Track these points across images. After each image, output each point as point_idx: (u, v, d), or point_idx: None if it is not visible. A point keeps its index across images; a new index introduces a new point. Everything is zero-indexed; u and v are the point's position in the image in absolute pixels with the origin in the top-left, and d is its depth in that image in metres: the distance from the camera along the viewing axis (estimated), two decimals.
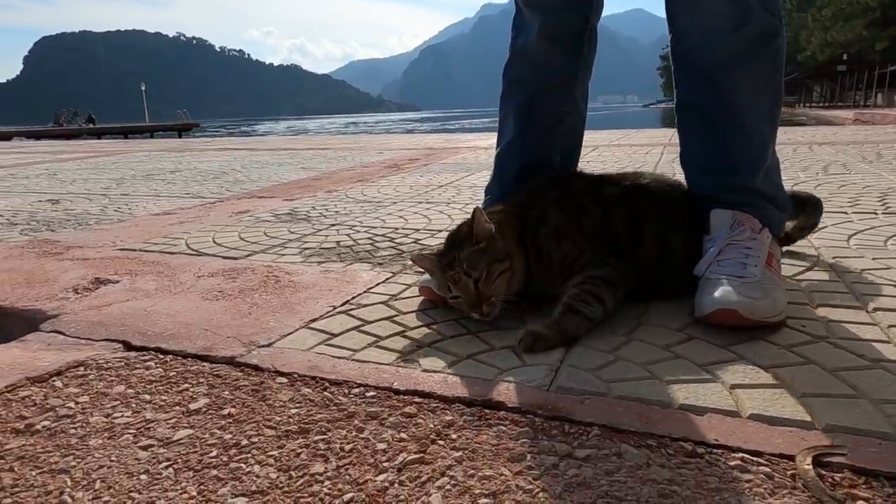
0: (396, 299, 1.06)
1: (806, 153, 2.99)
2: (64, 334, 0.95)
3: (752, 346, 0.80)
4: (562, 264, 0.93)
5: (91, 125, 32.64)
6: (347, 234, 1.61)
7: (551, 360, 0.79)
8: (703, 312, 0.85)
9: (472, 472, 0.56)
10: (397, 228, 1.65)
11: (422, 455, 0.59)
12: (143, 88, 41.12)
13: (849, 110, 20.01)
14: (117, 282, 1.22)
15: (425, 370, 0.77)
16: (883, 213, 1.58)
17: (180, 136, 31.85)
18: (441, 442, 0.61)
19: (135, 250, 1.51)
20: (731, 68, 0.96)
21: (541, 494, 0.52)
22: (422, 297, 1.04)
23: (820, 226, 1.46)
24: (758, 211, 0.99)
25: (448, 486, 0.54)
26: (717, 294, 0.84)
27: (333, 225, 1.74)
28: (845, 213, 1.60)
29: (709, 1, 0.93)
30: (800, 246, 1.27)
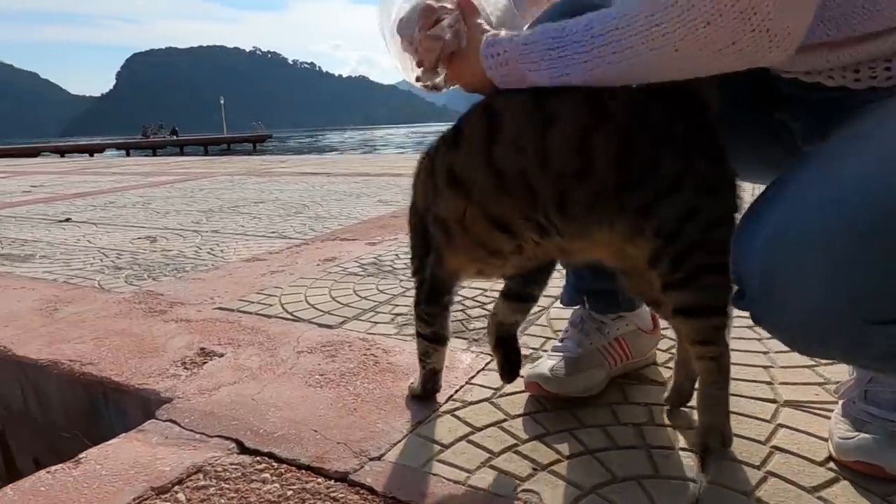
0: (500, 395, 1.03)
1: None
2: (179, 425, 0.98)
3: None
4: None
5: (174, 137, 34.67)
6: None
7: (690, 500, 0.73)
8: (842, 457, 0.76)
9: None
10: (485, 290, 1.62)
11: None
12: (223, 102, 43.34)
13: None
14: (222, 355, 1.25)
15: None
16: None
17: (254, 148, 33.44)
18: None
19: (233, 310, 1.55)
20: None
21: None
22: (527, 394, 1.01)
23: None
24: None
25: None
26: (858, 442, 0.75)
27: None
28: None
29: None
30: None
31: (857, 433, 0.78)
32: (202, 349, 1.29)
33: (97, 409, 1.19)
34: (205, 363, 1.22)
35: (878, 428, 0.77)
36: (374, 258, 2.06)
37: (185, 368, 1.20)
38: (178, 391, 1.09)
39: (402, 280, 1.77)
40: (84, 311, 1.60)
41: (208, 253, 2.28)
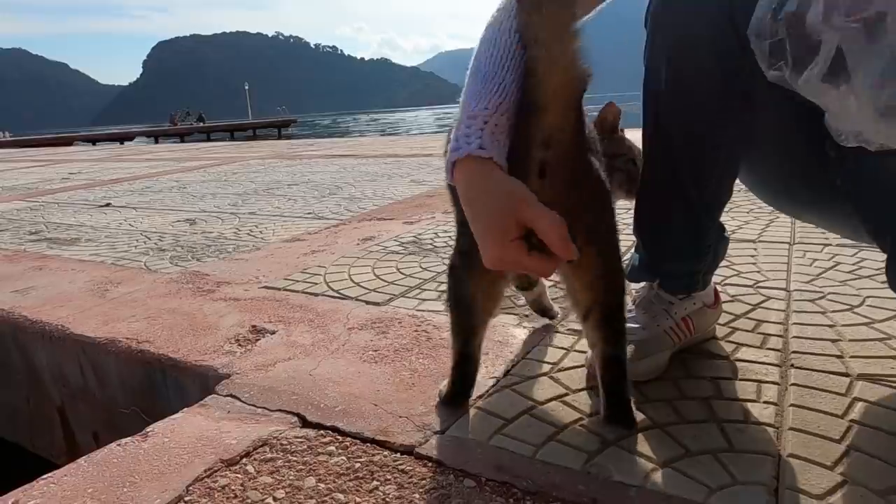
0: (559, 370, 1.01)
1: None
2: (240, 400, 0.99)
3: None
4: None
5: (201, 123, 35.12)
6: None
7: (765, 477, 0.71)
8: None
9: None
10: None
11: None
12: (247, 88, 43.66)
13: None
14: (273, 332, 1.26)
15: (622, 482, 0.72)
16: None
17: (279, 133, 33.69)
18: None
19: (279, 289, 1.56)
20: None
21: None
22: (585, 368, 0.99)
23: None
24: None
25: None
26: None
27: None
28: None
29: None
30: None
31: None
32: (254, 327, 1.30)
33: (155, 385, 1.21)
34: (258, 340, 1.23)
35: None
36: (414, 237, 2.05)
37: (240, 345, 1.21)
38: (235, 367, 1.10)
39: (443, 258, 1.76)
40: (134, 291, 1.63)
41: (248, 234, 2.29)
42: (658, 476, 0.73)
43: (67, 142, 22.50)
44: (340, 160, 4.89)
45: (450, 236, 2.03)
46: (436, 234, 2.08)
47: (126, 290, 1.65)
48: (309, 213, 2.64)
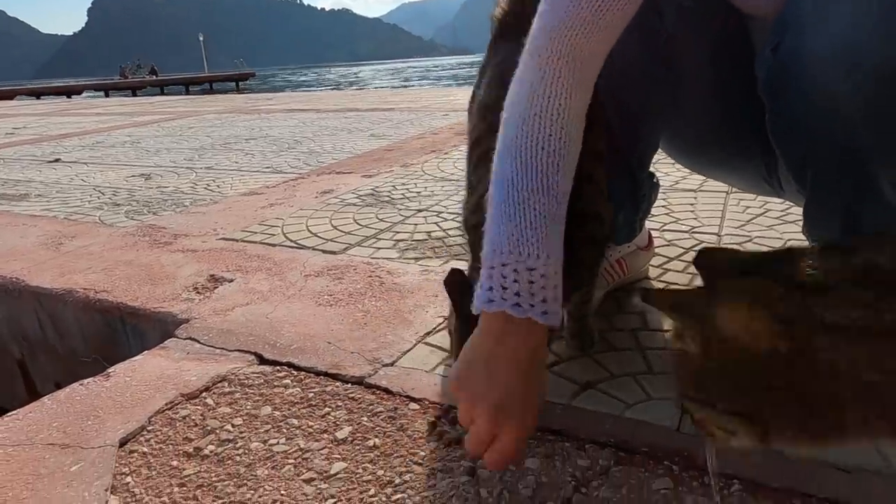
0: None
1: None
2: (199, 342, 1.03)
3: None
4: None
5: (154, 77, 33.55)
6: (436, 223, 1.63)
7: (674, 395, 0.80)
8: None
9: None
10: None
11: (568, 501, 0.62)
12: (202, 39, 41.66)
13: None
14: (231, 280, 1.30)
15: (550, 401, 0.80)
16: None
17: (237, 87, 32.46)
18: (584, 489, 0.64)
19: (237, 240, 1.58)
20: None
21: None
22: None
23: None
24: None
25: None
26: None
27: (420, 211, 1.77)
28: None
29: None
30: None
31: None
32: (212, 276, 1.33)
33: (115, 332, 1.24)
34: (216, 288, 1.26)
35: None
36: (372, 189, 2.08)
37: (198, 293, 1.24)
38: (194, 312, 1.14)
39: (400, 209, 1.80)
40: (89, 244, 1.63)
41: (205, 188, 2.28)
42: (583, 395, 0.81)
43: (8, 96, 21.24)
44: (300, 114, 4.81)
45: (407, 189, 2.06)
46: (393, 186, 2.12)
47: (81, 243, 1.64)
48: (267, 168, 2.62)
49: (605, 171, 0.94)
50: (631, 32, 0.71)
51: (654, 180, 1.09)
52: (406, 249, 1.44)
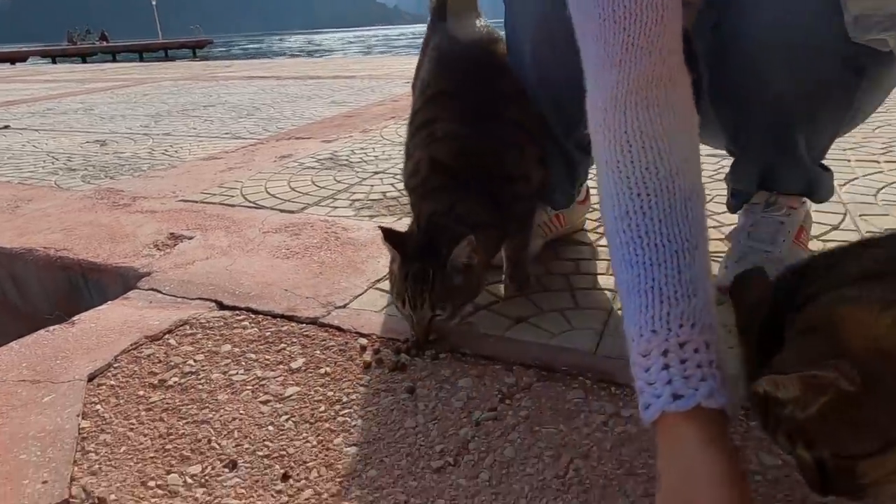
0: None
1: None
2: (161, 293, 1.09)
3: None
4: None
5: (104, 43, 32.04)
6: (391, 184, 1.69)
7: (597, 326, 0.90)
8: (721, 283, 0.94)
9: (535, 428, 0.69)
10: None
11: (494, 412, 0.72)
12: (154, 3, 39.82)
13: None
14: (191, 237, 1.35)
15: (486, 334, 0.89)
16: None
17: (195, 54, 31.25)
18: (509, 401, 0.74)
19: (196, 202, 1.62)
20: None
21: (594, 450, 0.65)
22: None
23: (850, 177, 1.52)
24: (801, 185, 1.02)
25: (518, 441, 0.67)
26: (737, 268, 0.92)
27: (377, 173, 1.83)
28: (877, 161, 1.63)
29: None
30: (830, 201, 1.33)
31: (738, 263, 0.95)
32: (172, 234, 1.37)
33: (78, 289, 1.28)
34: (176, 245, 1.31)
35: (756, 257, 0.95)
36: (331, 154, 2.12)
37: (158, 249, 1.29)
38: (155, 267, 1.19)
39: (357, 172, 1.86)
40: (47, 206, 1.64)
41: (163, 153, 2.28)
42: (515, 328, 0.90)
43: None
44: (260, 81, 4.74)
45: (365, 153, 2.11)
46: (352, 150, 2.16)
47: (38, 206, 1.65)
48: (226, 134, 2.63)
49: (539, 147, 1.01)
50: (566, 24, 0.76)
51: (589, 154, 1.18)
52: (362, 208, 1.51)
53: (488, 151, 0.89)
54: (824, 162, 1.00)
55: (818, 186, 0.99)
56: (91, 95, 4.39)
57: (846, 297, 0.36)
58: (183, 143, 2.47)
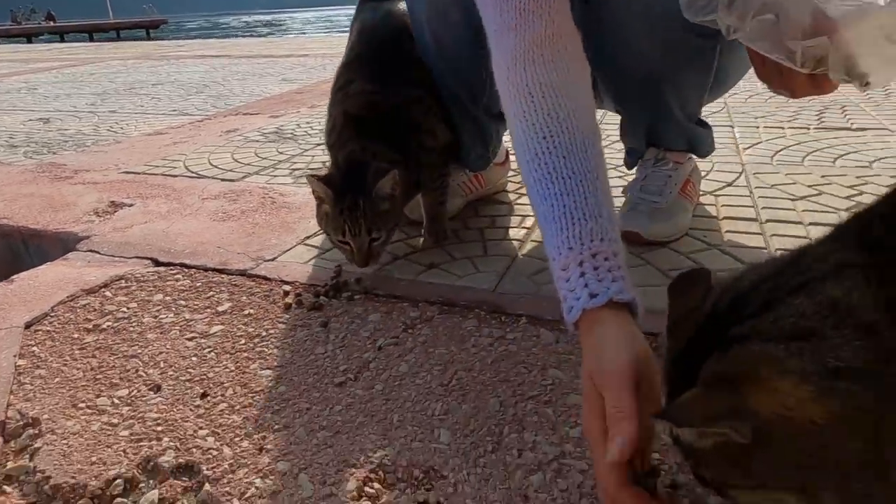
0: None
1: None
2: (99, 253, 1.14)
3: (659, 253, 1.01)
4: None
5: (51, 23, 30.64)
6: None
7: (500, 269, 1.00)
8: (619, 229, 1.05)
9: (430, 349, 0.79)
10: None
11: (395, 339, 0.81)
12: None
13: None
14: (131, 205, 1.40)
15: (399, 278, 0.98)
16: (815, 129, 1.75)
17: (149, 35, 30.19)
18: (411, 330, 0.83)
19: (139, 173, 1.66)
20: None
21: (476, 364, 0.75)
22: None
23: (755, 141, 1.66)
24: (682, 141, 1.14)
25: (412, 360, 0.77)
26: (629, 216, 1.04)
27: (319, 145, 1.89)
28: (782, 128, 1.78)
29: None
30: (730, 162, 1.46)
31: (630, 212, 1.06)
32: (112, 202, 1.42)
33: (18, 254, 1.32)
34: (115, 212, 1.36)
35: (645, 206, 1.06)
36: (277, 128, 2.17)
37: (98, 216, 1.34)
38: (94, 231, 1.24)
39: (301, 144, 1.92)
40: None
41: (108, 130, 2.29)
42: (426, 273, 1.00)
43: None
44: (211, 60, 4.69)
45: (311, 126, 2.17)
46: (298, 125, 2.21)
47: None
48: (174, 111, 2.64)
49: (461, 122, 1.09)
50: (460, 25, 0.81)
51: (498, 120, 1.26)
52: (300, 177, 1.57)
53: (396, 105, 0.98)
54: (706, 119, 1.12)
55: (699, 143, 1.10)
56: (36, 75, 4.28)
57: (770, 359, 0.38)
58: (129, 120, 2.47)
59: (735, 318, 0.41)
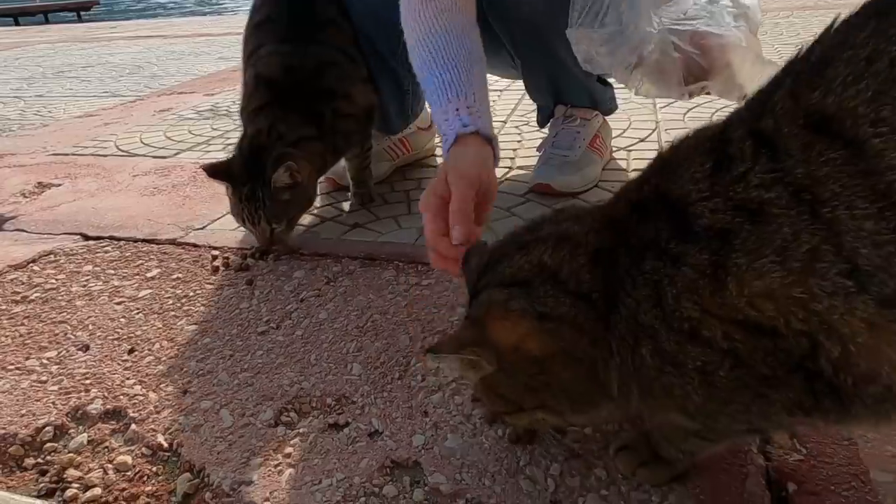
0: None
1: None
2: (27, 232, 1.15)
3: (568, 203, 1.09)
4: None
5: None
6: None
7: (421, 224, 1.06)
8: (531, 183, 1.12)
9: (349, 298, 0.84)
10: None
11: (317, 291, 0.87)
12: None
13: None
14: (59, 185, 1.39)
15: (325, 238, 1.03)
16: None
17: (79, 18, 28.60)
18: (333, 283, 0.89)
19: (67, 154, 1.64)
20: None
21: (391, 308, 0.81)
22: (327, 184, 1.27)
23: (670, 100, 1.75)
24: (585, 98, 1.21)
25: (332, 308, 0.82)
26: (541, 170, 1.11)
27: None
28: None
29: None
30: (646, 120, 1.55)
31: (543, 166, 1.13)
32: (39, 183, 1.41)
33: None
34: (43, 192, 1.36)
35: (556, 160, 1.13)
36: (211, 105, 2.16)
37: (24, 197, 1.33)
38: (21, 211, 1.24)
39: (235, 120, 1.91)
40: None
41: (35, 114, 2.23)
42: (351, 232, 1.05)
43: None
44: (145, 41, 4.54)
45: None
46: (233, 102, 2.20)
47: None
48: (105, 93, 2.57)
49: (364, 69, 1.13)
50: None
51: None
52: (232, 152, 1.59)
53: (309, 68, 1.00)
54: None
55: (600, 99, 1.18)
56: None
57: (497, 301, 0.48)
58: (58, 103, 2.40)
59: (484, 272, 0.52)
